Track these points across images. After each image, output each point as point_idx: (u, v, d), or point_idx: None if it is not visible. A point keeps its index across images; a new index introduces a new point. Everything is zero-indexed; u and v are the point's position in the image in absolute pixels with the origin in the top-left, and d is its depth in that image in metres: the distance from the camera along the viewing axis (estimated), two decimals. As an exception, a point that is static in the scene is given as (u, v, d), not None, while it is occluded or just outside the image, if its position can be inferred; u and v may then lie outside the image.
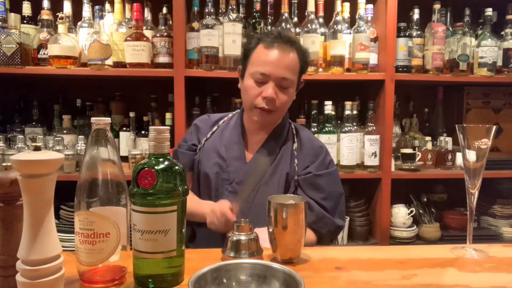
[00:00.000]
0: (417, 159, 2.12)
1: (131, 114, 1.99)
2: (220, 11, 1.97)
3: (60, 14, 1.83)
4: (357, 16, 2.03)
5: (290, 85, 1.27)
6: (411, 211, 2.13)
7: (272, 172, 1.29)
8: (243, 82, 1.31)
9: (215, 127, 1.40)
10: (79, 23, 1.93)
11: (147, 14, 2.03)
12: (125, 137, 2.00)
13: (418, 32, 2.09)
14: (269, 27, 1.98)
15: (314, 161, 1.32)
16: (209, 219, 1.17)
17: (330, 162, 1.35)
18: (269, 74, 1.23)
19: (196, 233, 1.34)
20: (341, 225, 1.32)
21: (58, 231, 0.68)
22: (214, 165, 1.32)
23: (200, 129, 1.41)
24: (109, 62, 1.84)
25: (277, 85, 1.24)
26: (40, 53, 1.87)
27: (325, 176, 1.31)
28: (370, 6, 2.06)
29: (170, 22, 1.98)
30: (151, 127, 0.75)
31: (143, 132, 2.00)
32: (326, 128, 1.98)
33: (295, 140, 1.35)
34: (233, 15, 1.91)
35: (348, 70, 2.03)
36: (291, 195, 0.96)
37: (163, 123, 2.03)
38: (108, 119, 0.76)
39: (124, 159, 1.89)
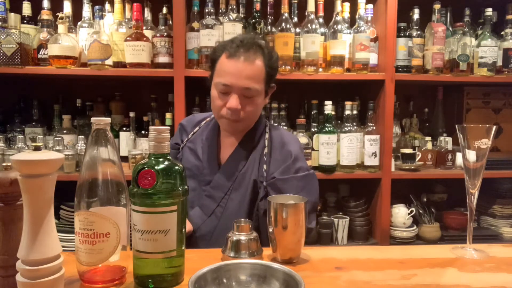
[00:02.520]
0: (417, 159, 2.12)
1: (131, 114, 1.99)
2: (220, 11, 1.97)
3: (60, 14, 1.83)
4: (357, 16, 2.03)
5: (255, 94, 1.23)
6: (411, 211, 2.13)
7: (242, 178, 1.27)
8: (211, 90, 1.28)
9: (197, 128, 1.41)
10: (79, 23, 1.93)
11: (147, 14, 2.03)
12: (125, 137, 2.00)
13: (418, 32, 2.09)
14: (269, 27, 1.98)
15: (281, 165, 1.27)
16: None
17: (299, 169, 1.27)
18: (231, 85, 1.19)
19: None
20: (310, 227, 1.25)
21: (58, 231, 0.68)
22: (193, 166, 1.32)
23: (185, 128, 1.42)
24: (109, 62, 1.84)
25: (241, 96, 1.21)
26: (40, 53, 1.87)
27: (290, 181, 1.24)
28: (370, 6, 2.06)
29: (170, 22, 1.98)
30: (151, 127, 0.75)
31: (143, 132, 2.00)
32: (326, 128, 1.98)
33: (266, 144, 1.31)
34: (233, 15, 1.91)
35: (348, 70, 2.03)
36: (291, 195, 0.95)
37: (163, 123, 2.03)
38: (108, 119, 0.76)
39: (124, 159, 1.89)
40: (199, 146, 1.34)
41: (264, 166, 1.27)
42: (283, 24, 1.93)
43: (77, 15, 1.98)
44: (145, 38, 1.86)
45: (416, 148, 2.19)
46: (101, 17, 1.89)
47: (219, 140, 1.34)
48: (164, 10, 1.99)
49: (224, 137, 1.34)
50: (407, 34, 2.07)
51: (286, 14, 1.93)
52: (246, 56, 1.20)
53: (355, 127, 2.04)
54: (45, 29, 1.88)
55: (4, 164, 0.71)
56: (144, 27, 1.94)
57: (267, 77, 1.26)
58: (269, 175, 1.27)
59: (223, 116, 1.24)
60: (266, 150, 1.30)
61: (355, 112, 2.07)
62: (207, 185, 1.29)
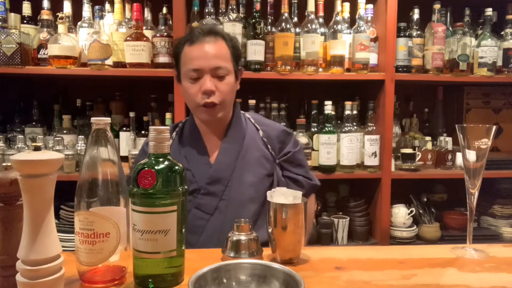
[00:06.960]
0: (417, 159, 2.12)
1: (131, 114, 1.99)
2: (220, 11, 1.97)
3: (60, 14, 1.83)
4: (357, 16, 2.03)
5: (227, 73, 1.24)
6: (411, 211, 2.13)
7: (242, 163, 1.27)
8: (181, 86, 1.29)
9: (169, 141, 1.34)
10: (79, 23, 1.93)
11: (147, 14, 2.03)
12: (125, 137, 2.00)
13: (418, 32, 2.09)
14: (269, 27, 1.98)
15: (285, 141, 1.36)
16: None
17: (297, 140, 1.43)
18: (201, 68, 1.21)
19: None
20: (319, 184, 1.42)
21: (58, 231, 0.68)
22: None
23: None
24: (109, 62, 1.84)
25: (213, 77, 1.22)
26: (40, 53, 1.87)
27: (300, 151, 1.40)
28: (370, 6, 2.06)
29: (170, 22, 1.98)
30: (151, 127, 0.75)
31: (143, 132, 2.00)
32: (326, 128, 1.98)
33: (259, 128, 1.35)
34: (233, 15, 1.91)
35: (348, 70, 2.03)
36: (291, 190, 0.93)
37: (163, 123, 2.03)
38: (108, 119, 0.76)
39: (124, 159, 1.89)
40: (181, 156, 1.28)
41: (269, 146, 1.33)
42: (283, 24, 1.93)
43: (77, 15, 1.98)
44: (145, 38, 1.86)
45: (416, 148, 2.19)
46: (101, 17, 1.89)
47: (202, 140, 1.30)
48: (164, 10, 1.99)
49: (206, 136, 1.31)
50: (407, 34, 2.07)
51: (286, 14, 1.93)
52: (207, 40, 1.23)
53: (355, 127, 2.04)
54: (45, 29, 1.88)
55: (4, 164, 0.71)
56: (144, 27, 1.94)
57: (233, 57, 1.28)
58: (277, 153, 1.34)
59: (200, 104, 1.22)
60: (261, 133, 1.35)
61: (355, 112, 2.07)
62: (200, 193, 1.23)
